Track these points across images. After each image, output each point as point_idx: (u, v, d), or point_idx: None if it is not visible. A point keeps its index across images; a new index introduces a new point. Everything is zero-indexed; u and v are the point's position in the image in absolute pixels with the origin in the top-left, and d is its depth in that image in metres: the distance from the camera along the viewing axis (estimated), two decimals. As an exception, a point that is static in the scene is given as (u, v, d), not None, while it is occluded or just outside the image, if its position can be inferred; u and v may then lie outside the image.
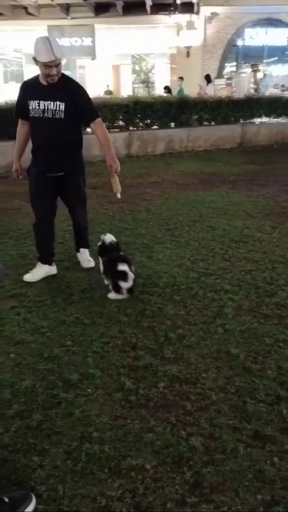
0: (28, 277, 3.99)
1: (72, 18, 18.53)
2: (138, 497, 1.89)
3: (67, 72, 3.89)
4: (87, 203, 4.23)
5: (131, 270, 3.63)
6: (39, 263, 4.08)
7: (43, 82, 3.63)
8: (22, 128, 3.90)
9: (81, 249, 4.35)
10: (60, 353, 2.91)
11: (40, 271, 4.04)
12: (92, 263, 4.26)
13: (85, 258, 4.32)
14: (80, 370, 2.73)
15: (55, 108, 3.65)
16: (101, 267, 3.84)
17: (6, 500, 1.80)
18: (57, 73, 3.56)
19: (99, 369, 2.75)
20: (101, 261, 3.85)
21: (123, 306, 3.52)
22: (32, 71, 3.64)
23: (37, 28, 17.45)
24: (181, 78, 15.87)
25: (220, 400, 2.48)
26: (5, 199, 6.80)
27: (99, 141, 3.80)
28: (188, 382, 2.64)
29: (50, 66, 3.48)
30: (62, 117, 3.67)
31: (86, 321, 3.31)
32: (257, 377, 2.65)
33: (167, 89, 15.15)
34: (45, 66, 3.48)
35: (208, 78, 14.50)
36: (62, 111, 3.65)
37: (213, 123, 11.98)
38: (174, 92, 14.74)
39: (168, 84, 20.02)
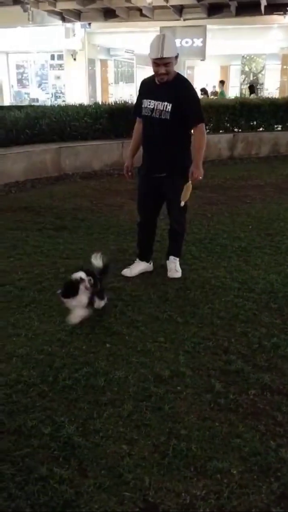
0: (126, 272, 4.12)
1: (185, 20, 18.62)
2: (222, 500, 1.89)
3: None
4: (187, 209, 4.08)
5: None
6: (137, 260, 4.20)
7: (156, 81, 3.67)
8: (138, 126, 3.98)
9: (171, 257, 4.15)
10: (152, 348, 2.98)
11: (138, 267, 4.16)
12: (178, 274, 4.07)
13: (173, 267, 4.10)
14: (171, 367, 2.77)
15: (162, 108, 3.63)
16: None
17: None
18: (165, 72, 3.56)
19: (190, 368, 2.77)
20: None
21: (216, 308, 3.51)
22: (142, 72, 3.73)
23: (150, 30, 17.77)
24: (222, 82, 15.67)
25: (313, 415, 2.39)
26: (109, 196, 7.06)
27: (194, 144, 3.76)
28: (280, 392, 2.57)
29: (158, 64, 3.52)
30: (168, 118, 3.63)
31: (179, 320, 3.35)
32: None
33: (204, 91, 14.80)
34: (154, 63, 3.54)
35: (251, 89, 13.72)
36: (168, 112, 3.62)
37: None
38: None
39: (278, 85, 19.41)
